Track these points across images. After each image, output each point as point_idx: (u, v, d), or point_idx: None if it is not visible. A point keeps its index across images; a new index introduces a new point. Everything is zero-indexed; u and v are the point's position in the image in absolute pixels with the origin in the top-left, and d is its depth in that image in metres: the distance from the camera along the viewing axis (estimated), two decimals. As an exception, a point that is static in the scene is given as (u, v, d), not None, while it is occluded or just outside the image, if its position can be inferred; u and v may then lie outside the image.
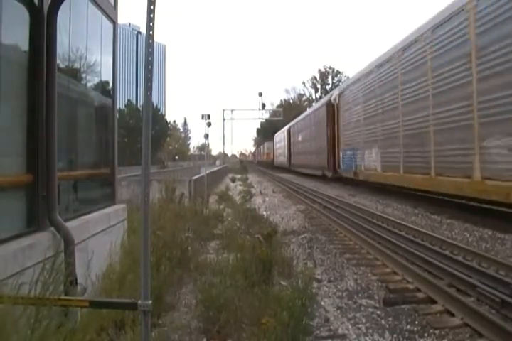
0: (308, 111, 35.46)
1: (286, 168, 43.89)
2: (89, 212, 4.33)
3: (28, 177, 3.21)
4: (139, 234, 2.48)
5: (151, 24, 2.36)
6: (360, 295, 4.84)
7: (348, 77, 50.09)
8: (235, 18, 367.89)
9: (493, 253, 6.42)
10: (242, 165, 59.54)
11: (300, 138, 35.09)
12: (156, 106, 74.47)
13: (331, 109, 23.18)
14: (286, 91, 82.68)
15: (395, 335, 3.71)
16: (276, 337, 3.16)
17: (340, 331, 3.82)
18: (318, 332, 3.79)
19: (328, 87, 68.36)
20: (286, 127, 44.50)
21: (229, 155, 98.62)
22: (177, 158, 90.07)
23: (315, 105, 33.05)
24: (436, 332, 3.75)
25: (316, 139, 26.97)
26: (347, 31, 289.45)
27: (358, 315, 4.22)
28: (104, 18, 4.96)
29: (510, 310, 3.96)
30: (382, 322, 4.03)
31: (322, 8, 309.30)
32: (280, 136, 49.86)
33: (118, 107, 6.31)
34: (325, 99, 27.72)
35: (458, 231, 8.47)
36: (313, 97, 71.62)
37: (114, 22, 5.31)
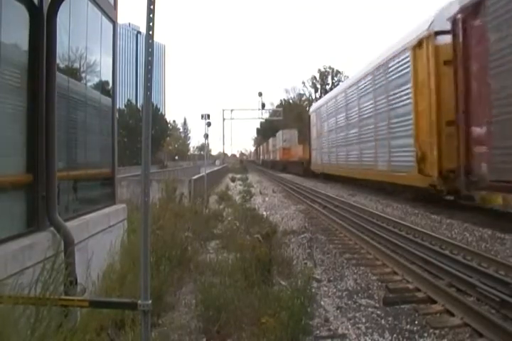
0: None
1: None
2: (89, 212, 4.33)
3: (27, 177, 3.21)
4: (139, 234, 2.48)
5: (151, 24, 2.36)
6: (359, 294, 4.84)
7: (347, 77, 47.95)
8: (235, 17, 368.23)
9: (492, 253, 6.42)
10: (242, 165, 59.54)
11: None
12: (156, 106, 74.39)
13: None
14: (286, 91, 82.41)
15: (394, 335, 3.71)
16: (275, 336, 3.17)
17: (340, 331, 3.82)
18: (318, 331, 3.79)
19: (327, 87, 68.19)
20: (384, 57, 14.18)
21: (229, 155, 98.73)
22: (177, 157, 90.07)
23: None
24: (436, 331, 3.75)
25: None
26: (347, 31, 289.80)
27: (357, 314, 4.22)
28: (103, 18, 4.96)
29: (510, 310, 3.96)
30: (382, 321, 4.03)
31: (322, 8, 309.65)
32: (337, 101, 21.19)
33: (118, 107, 6.31)
34: None
35: (457, 231, 8.47)
36: (313, 97, 71.47)
37: (113, 22, 5.31)
